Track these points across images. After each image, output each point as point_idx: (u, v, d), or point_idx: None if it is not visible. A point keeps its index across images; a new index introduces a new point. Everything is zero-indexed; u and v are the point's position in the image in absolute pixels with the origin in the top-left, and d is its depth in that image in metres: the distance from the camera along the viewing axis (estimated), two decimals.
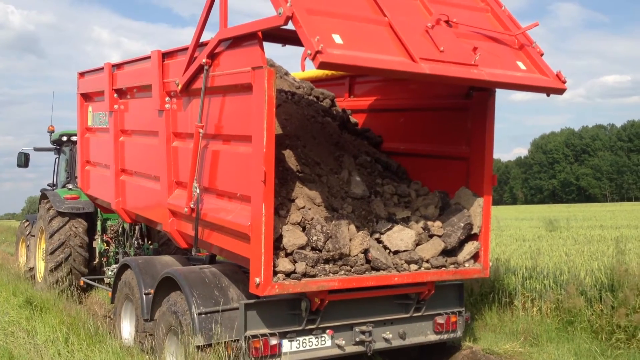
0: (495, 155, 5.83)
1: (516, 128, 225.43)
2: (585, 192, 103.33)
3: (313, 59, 4.04)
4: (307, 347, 5.16)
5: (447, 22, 5.04)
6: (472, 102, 5.82)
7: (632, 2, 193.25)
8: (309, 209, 5.22)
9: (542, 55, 5.36)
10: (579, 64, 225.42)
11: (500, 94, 5.70)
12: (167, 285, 5.72)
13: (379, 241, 5.37)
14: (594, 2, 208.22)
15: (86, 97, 8.90)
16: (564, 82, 5.22)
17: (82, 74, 8.98)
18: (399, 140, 6.83)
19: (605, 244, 12.36)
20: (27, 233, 12.23)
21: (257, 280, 4.59)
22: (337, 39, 4.27)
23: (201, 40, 5.46)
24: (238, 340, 4.93)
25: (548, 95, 5.34)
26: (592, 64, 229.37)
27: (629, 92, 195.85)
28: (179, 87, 5.76)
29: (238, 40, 4.93)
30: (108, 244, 10.28)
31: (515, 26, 5.50)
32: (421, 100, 6.54)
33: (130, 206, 7.52)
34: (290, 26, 4.31)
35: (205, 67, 5.27)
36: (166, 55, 6.29)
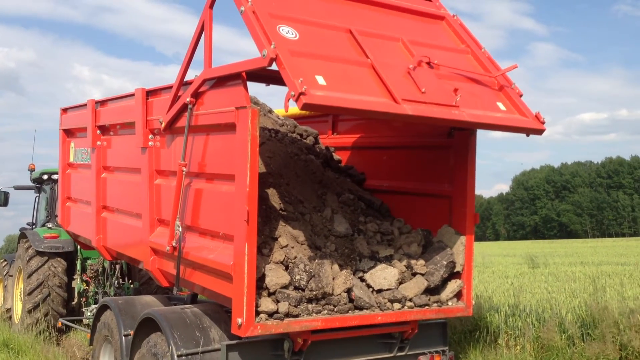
0: (477, 192, 5.92)
1: (497, 165, 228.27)
2: (567, 228, 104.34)
3: (296, 100, 4.07)
4: None
5: (428, 63, 5.12)
6: (454, 141, 5.88)
7: (607, 42, 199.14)
8: (292, 248, 5.20)
9: (521, 96, 5.47)
10: (556, 102, 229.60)
11: (481, 131, 5.79)
12: (148, 326, 5.61)
13: (362, 280, 5.35)
14: (570, 42, 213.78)
15: (69, 133, 8.87)
16: (543, 123, 5.31)
17: (64, 110, 8.96)
18: (382, 178, 6.86)
19: (587, 280, 12.42)
20: (4, 273, 11.99)
21: (240, 320, 4.53)
22: (320, 80, 4.31)
23: (185, 79, 5.50)
24: None
25: (528, 135, 5.42)
26: (569, 102, 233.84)
27: (605, 129, 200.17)
28: (163, 125, 5.77)
29: (222, 80, 4.97)
30: (87, 283, 10.11)
31: (495, 68, 5.62)
32: (404, 138, 6.60)
33: (111, 243, 7.43)
34: (274, 67, 4.36)
35: (189, 106, 5.29)
36: (150, 93, 6.32)
